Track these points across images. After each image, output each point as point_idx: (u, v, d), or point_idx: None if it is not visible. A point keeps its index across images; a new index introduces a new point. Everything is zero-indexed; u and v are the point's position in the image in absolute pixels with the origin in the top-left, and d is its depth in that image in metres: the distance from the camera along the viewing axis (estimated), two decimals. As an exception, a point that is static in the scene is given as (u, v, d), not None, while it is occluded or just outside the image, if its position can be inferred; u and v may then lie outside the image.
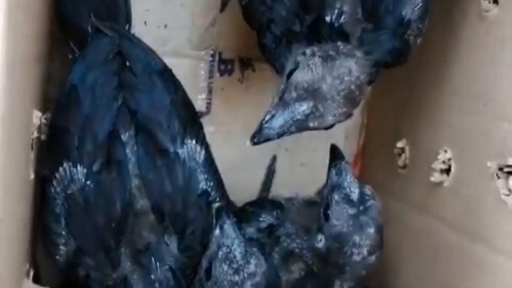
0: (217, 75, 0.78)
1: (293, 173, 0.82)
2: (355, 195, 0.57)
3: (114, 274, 0.58)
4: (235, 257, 0.55)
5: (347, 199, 0.57)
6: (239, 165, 0.77)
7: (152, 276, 0.58)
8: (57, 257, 0.59)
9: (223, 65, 0.78)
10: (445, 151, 0.65)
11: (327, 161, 0.63)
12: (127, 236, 0.58)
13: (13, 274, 0.50)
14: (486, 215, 0.59)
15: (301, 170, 0.82)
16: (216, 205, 0.60)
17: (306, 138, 0.82)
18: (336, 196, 0.58)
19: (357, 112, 0.82)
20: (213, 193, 0.61)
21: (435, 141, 0.66)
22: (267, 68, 0.78)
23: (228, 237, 0.56)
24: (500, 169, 0.57)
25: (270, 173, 0.80)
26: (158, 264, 0.58)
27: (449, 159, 0.64)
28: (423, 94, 0.70)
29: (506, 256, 0.56)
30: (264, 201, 0.73)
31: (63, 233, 0.58)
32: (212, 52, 0.77)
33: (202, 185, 0.60)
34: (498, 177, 0.57)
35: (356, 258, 0.57)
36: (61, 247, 0.59)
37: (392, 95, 0.77)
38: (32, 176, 0.57)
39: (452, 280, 0.62)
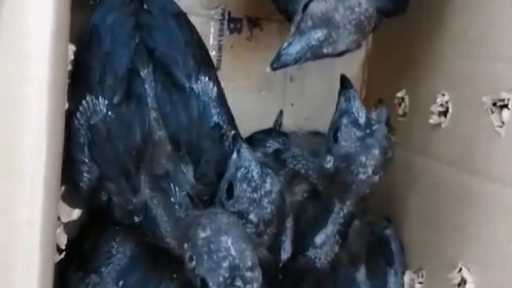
0: (227, 33, 0.82)
1: (297, 127, 0.86)
2: (362, 119, 0.62)
3: (134, 199, 0.61)
4: (253, 176, 0.59)
5: (355, 123, 0.62)
6: (247, 119, 0.81)
7: (172, 199, 0.61)
8: (81, 184, 0.62)
9: (232, 23, 0.82)
10: (443, 95, 0.69)
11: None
12: (146, 164, 0.61)
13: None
14: (482, 148, 0.63)
15: (305, 124, 0.86)
16: (232, 132, 0.64)
17: (310, 94, 0.87)
18: (344, 120, 0.62)
19: (357, 69, 0.88)
20: (224, 126, 0.64)
21: (433, 87, 0.71)
22: (274, 27, 0.84)
23: (245, 160, 0.60)
24: (494, 104, 0.62)
25: (277, 126, 0.85)
26: (176, 189, 0.61)
27: (447, 102, 0.69)
28: (422, 46, 0.75)
29: (502, 183, 0.60)
30: (271, 130, 0.79)
31: (87, 161, 0.61)
32: (222, 11, 0.81)
33: (215, 118, 0.64)
34: (492, 112, 0.62)
35: (362, 176, 0.62)
36: (85, 174, 0.62)
37: (391, 50, 0.82)
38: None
39: (451, 211, 0.67)
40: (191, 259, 0.54)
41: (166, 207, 0.61)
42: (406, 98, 0.77)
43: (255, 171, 0.60)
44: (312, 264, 0.69)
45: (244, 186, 0.59)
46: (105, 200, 0.62)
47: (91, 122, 0.61)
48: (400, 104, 0.78)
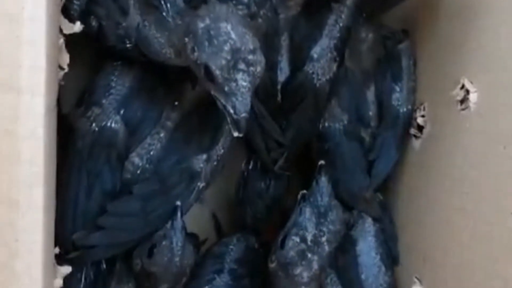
0: None
1: None
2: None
3: (124, 23, 0.60)
4: None
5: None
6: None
7: (164, 14, 0.58)
8: (72, 12, 0.60)
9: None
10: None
11: None
12: None
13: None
14: None
15: None
16: None
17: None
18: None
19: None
20: None
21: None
22: None
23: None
24: None
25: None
26: (168, 5, 0.58)
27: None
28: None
29: None
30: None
31: None
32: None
33: None
34: None
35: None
36: (75, 1, 0.60)
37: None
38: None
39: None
40: (192, 50, 0.53)
41: (159, 24, 0.59)
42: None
43: None
44: (310, 80, 0.68)
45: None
46: (95, 26, 0.61)
47: None
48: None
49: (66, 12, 0.59)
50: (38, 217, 0.51)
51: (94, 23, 0.61)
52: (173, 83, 0.66)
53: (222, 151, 0.67)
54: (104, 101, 0.63)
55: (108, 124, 0.63)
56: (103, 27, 0.61)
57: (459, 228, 0.61)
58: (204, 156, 0.65)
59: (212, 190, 0.73)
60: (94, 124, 0.63)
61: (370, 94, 0.72)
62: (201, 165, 0.65)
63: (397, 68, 0.72)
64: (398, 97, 0.72)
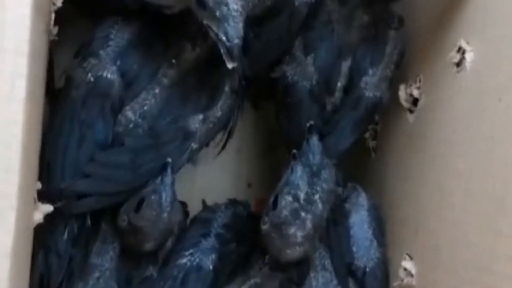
0: None
1: None
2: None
3: None
4: None
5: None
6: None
7: None
8: None
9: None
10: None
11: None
12: None
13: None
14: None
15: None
16: None
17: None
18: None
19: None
20: None
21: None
22: None
23: None
24: None
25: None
26: None
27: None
28: None
29: None
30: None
31: None
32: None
33: None
34: None
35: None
36: None
37: None
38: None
39: None
40: None
41: None
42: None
43: None
44: None
45: None
46: None
47: None
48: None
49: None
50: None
51: None
52: (172, 41, 0.65)
53: (220, 113, 0.66)
54: (101, 52, 0.63)
55: (104, 74, 0.62)
56: None
57: (451, 190, 0.60)
58: (201, 117, 0.65)
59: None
60: (90, 74, 0.62)
61: (345, 66, 0.71)
62: (197, 125, 0.65)
63: (379, 53, 0.71)
64: (367, 81, 0.70)
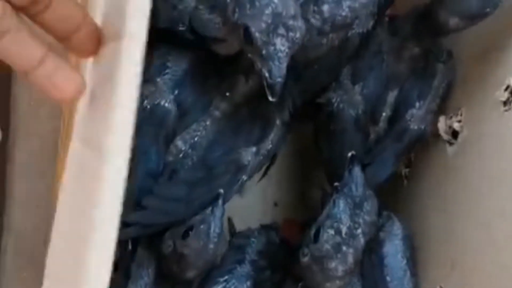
0: None
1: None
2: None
3: (180, 5, 0.60)
4: None
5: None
6: None
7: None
8: None
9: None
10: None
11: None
12: None
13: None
14: None
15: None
16: None
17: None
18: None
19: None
20: None
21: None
22: None
23: None
24: None
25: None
26: None
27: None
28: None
29: None
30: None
31: None
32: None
33: None
34: None
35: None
36: None
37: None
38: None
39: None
40: (233, 11, 0.53)
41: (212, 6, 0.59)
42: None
43: None
44: None
45: None
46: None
47: None
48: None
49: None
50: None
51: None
52: (226, 73, 0.65)
53: (270, 146, 0.66)
54: (158, 79, 0.63)
55: (162, 103, 0.62)
56: (158, 9, 0.59)
57: (496, 229, 0.60)
58: (254, 149, 0.65)
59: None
60: (145, 101, 0.62)
61: (391, 97, 0.71)
62: (249, 158, 0.65)
63: (427, 86, 0.71)
64: (413, 114, 0.70)
